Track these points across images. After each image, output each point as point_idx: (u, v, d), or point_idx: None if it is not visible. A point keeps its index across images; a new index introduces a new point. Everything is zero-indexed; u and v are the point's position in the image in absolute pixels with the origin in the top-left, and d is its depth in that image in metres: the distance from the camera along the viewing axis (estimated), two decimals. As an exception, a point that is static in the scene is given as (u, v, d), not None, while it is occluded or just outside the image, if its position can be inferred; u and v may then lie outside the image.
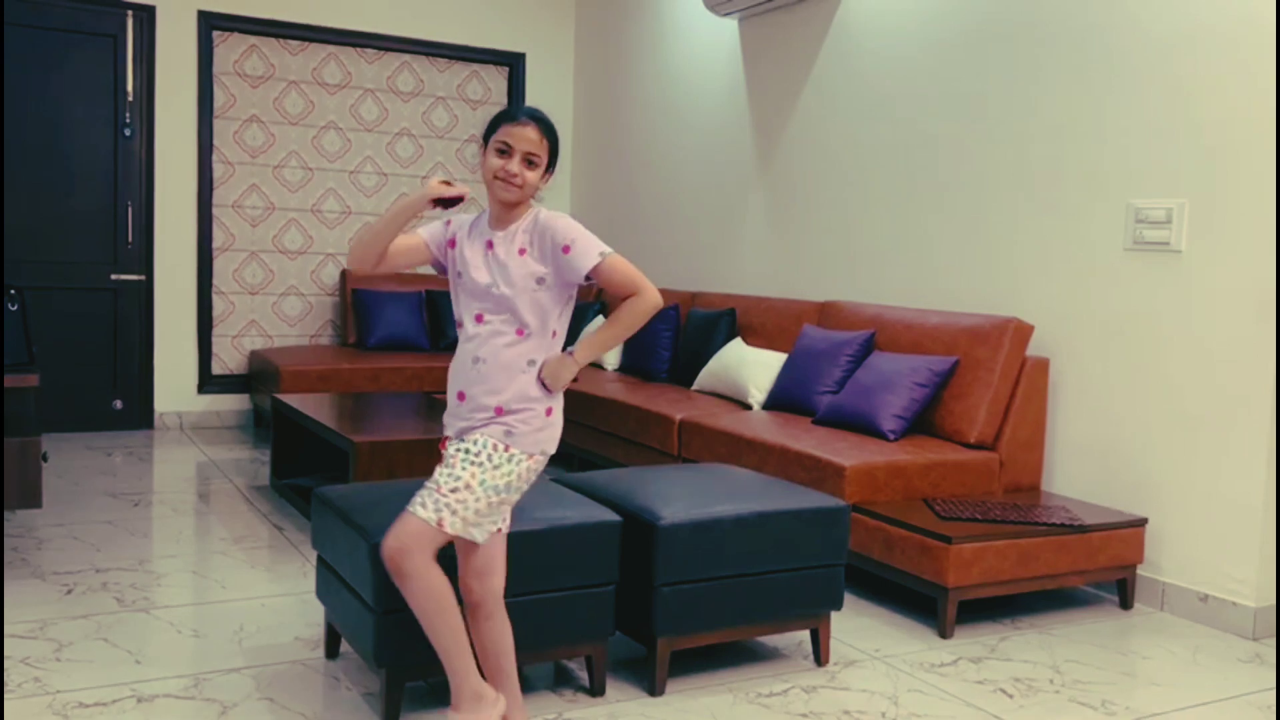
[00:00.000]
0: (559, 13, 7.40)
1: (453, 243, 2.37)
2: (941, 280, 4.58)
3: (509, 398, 2.26)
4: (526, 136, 2.24)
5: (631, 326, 2.33)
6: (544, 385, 2.29)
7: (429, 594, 2.21)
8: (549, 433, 2.31)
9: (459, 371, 2.31)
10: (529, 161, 2.25)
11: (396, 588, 2.27)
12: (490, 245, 2.30)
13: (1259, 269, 3.44)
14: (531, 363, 2.28)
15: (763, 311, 5.30)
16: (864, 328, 4.59)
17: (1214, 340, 3.56)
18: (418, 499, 2.22)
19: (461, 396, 2.29)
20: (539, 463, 2.31)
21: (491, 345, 2.26)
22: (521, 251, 2.28)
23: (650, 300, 2.31)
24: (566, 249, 2.26)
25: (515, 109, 2.29)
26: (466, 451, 2.24)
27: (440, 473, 2.24)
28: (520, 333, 2.27)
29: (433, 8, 6.97)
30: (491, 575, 2.35)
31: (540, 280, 2.27)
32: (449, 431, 2.34)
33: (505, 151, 2.25)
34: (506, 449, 2.25)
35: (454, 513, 2.19)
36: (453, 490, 2.20)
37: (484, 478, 2.23)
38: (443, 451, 2.32)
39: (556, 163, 2.34)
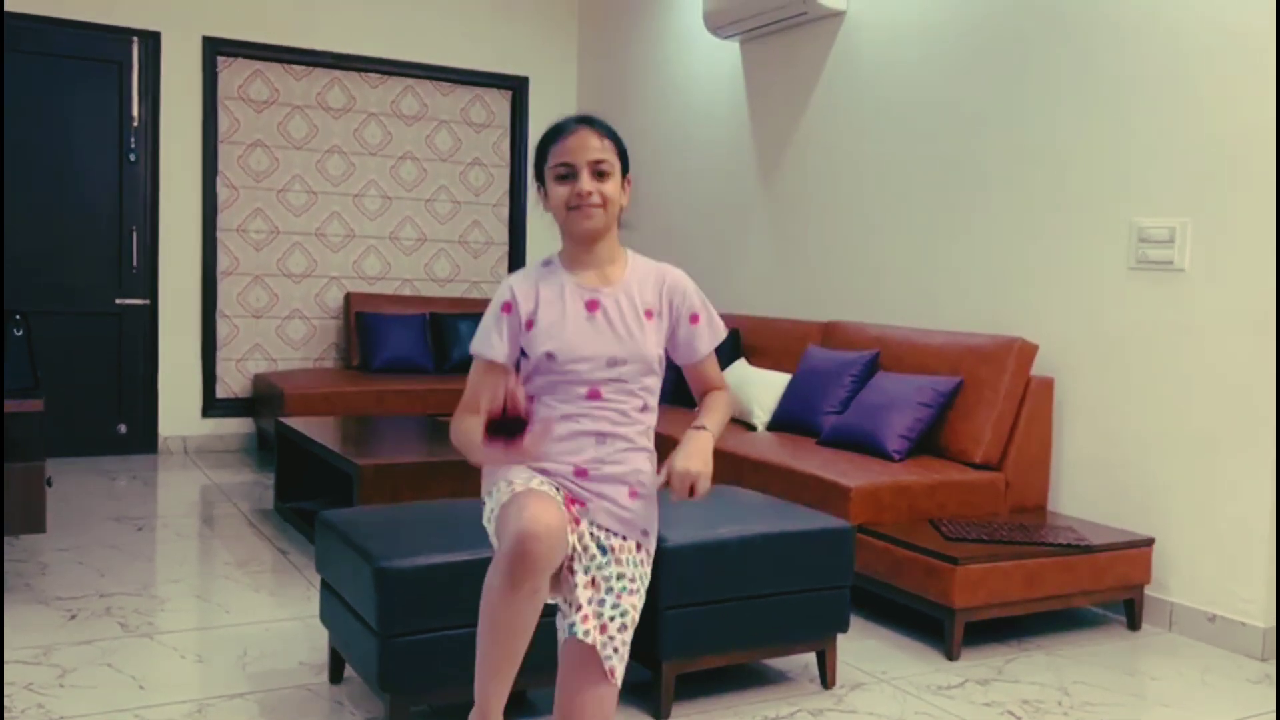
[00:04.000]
0: (562, 36, 7.44)
1: (530, 324, 1.87)
2: (945, 300, 4.58)
3: (639, 477, 1.91)
4: (586, 144, 1.85)
5: (725, 423, 2.01)
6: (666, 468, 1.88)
7: None
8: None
9: (570, 448, 1.87)
10: (598, 173, 1.85)
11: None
12: (594, 306, 1.86)
13: (1262, 287, 3.43)
14: (649, 437, 1.94)
15: (766, 332, 5.30)
16: (868, 348, 4.59)
17: (1218, 358, 3.55)
18: (609, 648, 1.83)
19: (583, 473, 1.88)
20: None
21: (616, 422, 1.88)
22: (649, 314, 1.89)
23: (731, 397, 2.03)
24: (695, 319, 1.93)
25: (560, 122, 1.90)
26: (623, 573, 1.87)
27: (600, 585, 1.85)
28: (643, 410, 1.92)
29: (436, 32, 7.02)
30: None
31: (661, 354, 1.92)
32: (572, 494, 1.88)
33: (568, 175, 1.84)
34: (648, 554, 1.94)
35: (625, 649, 1.87)
36: (626, 630, 1.87)
37: (639, 602, 1.90)
38: (576, 525, 1.85)
39: (629, 168, 1.92)
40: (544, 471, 1.90)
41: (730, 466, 4.21)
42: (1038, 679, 3.19)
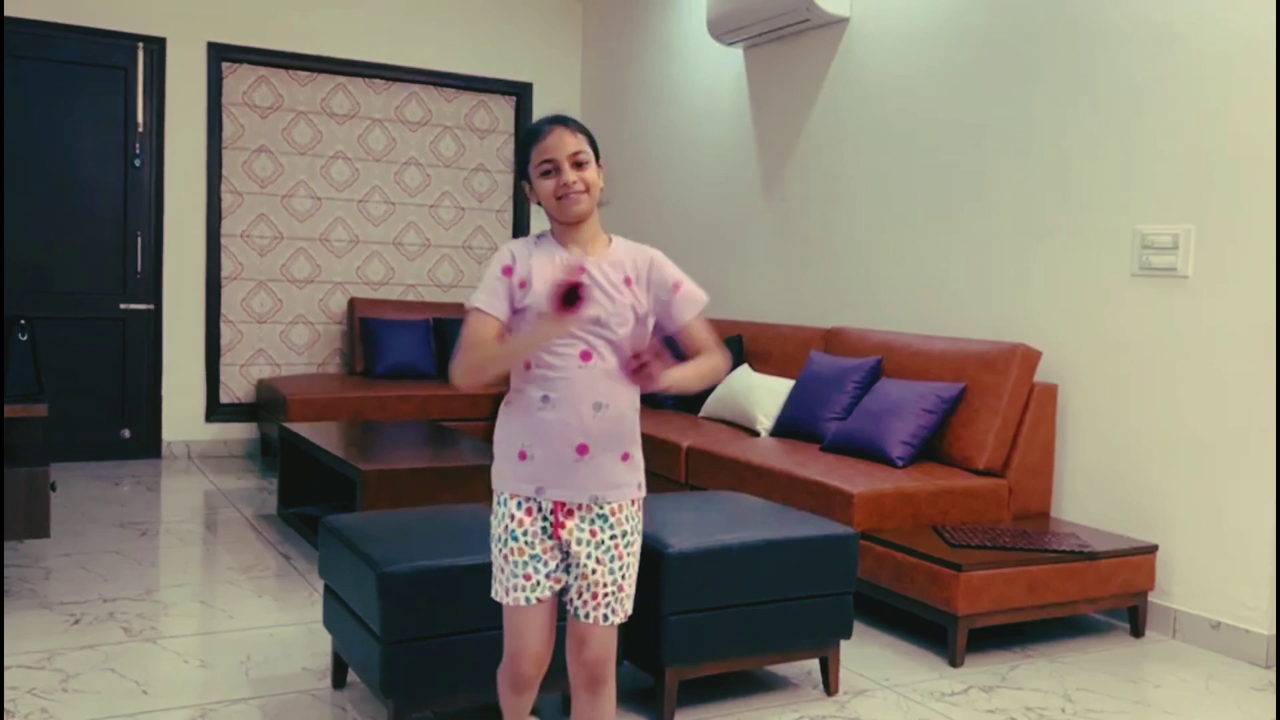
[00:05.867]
0: (565, 43, 7.45)
1: (524, 284, 2.07)
2: (948, 306, 4.58)
3: (629, 439, 2.11)
4: (563, 141, 2.07)
5: (710, 381, 2.14)
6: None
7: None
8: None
9: (570, 421, 2.04)
10: (577, 164, 2.07)
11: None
12: (582, 270, 2.07)
13: (1266, 294, 3.43)
14: (635, 393, 2.11)
15: (769, 338, 5.30)
16: (871, 354, 4.59)
17: (1222, 365, 3.55)
18: (601, 610, 2.08)
19: (584, 450, 2.05)
20: None
21: (607, 385, 2.05)
22: (628, 282, 2.10)
23: (727, 365, 2.18)
24: (678, 287, 2.13)
25: (535, 125, 2.12)
26: (623, 535, 2.09)
27: (599, 567, 2.07)
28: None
29: (440, 39, 7.03)
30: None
31: (639, 317, 2.10)
32: (564, 497, 2.06)
33: (551, 170, 2.07)
34: (641, 502, 2.15)
35: (630, 598, 2.14)
36: (630, 581, 2.13)
37: (638, 550, 2.15)
38: (563, 527, 2.07)
39: (599, 153, 2.15)
40: (537, 483, 2.08)
41: (733, 472, 4.21)
42: (1041, 686, 3.19)
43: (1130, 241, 3.84)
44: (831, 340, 4.92)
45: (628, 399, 2.09)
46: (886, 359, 4.49)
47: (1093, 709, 3.02)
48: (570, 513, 2.07)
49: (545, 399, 2.05)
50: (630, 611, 2.13)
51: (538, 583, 2.08)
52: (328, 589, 2.94)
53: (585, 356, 2.05)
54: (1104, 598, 3.58)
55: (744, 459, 4.19)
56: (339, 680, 2.98)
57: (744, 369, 5.18)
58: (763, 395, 4.87)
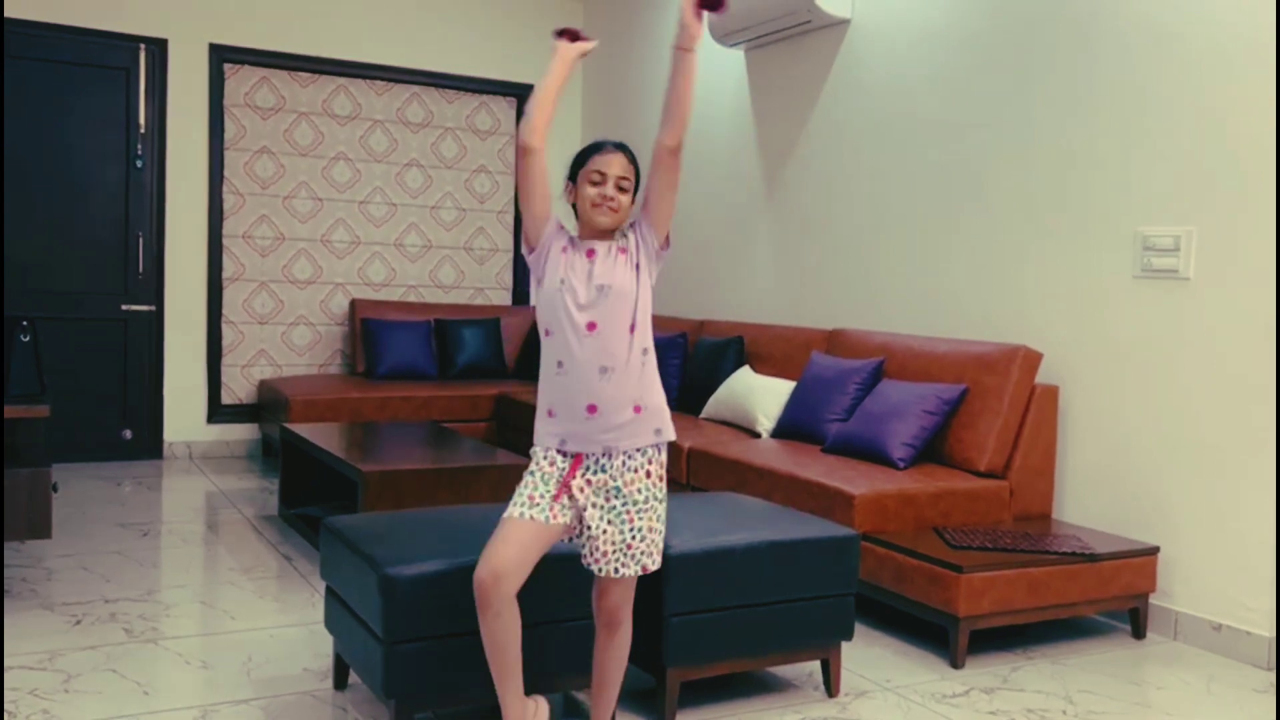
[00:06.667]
0: (567, 44, 7.44)
1: (563, 248, 2.40)
2: (950, 308, 4.58)
3: (642, 393, 2.35)
4: (618, 163, 2.38)
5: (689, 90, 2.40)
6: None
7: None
8: (667, 407, 2.44)
9: (581, 384, 2.33)
10: (620, 187, 2.38)
11: (477, 620, 2.35)
12: (592, 254, 2.38)
13: (1267, 296, 3.43)
14: (646, 351, 2.37)
15: (771, 339, 5.30)
16: (872, 355, 4.59)
17: (1223, 367, 3.55)
18: (611, 564, 2.38)
19: (594, 409, 2.33)
20: None
21: (613, 349, 2.33)
22: (622, 251, 2.39)
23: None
24: (644, 212, 2.41)
25: (601, 141, 2.44)
26: (634, 504, 2.36)
27: (610, 528, 2.36)
28: (632, 329, 2.35)
29: (441, 40, 7.04)
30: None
31: (637, 267, 2.38)
32: (581, 448, 2.36)
33: (600, 181, 2.37)
34: (660, 452, 2.40)
35: (651, 554, 2.41)
36: (643, 540, 2.38)
37: (660, 511, 2.41)
38: (574, 473, 2.36)
39: (640, 188, 2.45)
40: (556, 447, 2.38)
41: (734, 473, 4.21)
42: (1043, 688, 3.19)
43: (1131, 243, 3.84)
44: (833, 341, 4.92)
45: (635, 358, 2.34)
46: (888, 360, 4.49)
47: (1094, 711, 3.02)
48: (587, 467, 2.35)
49: (559, 364, 2.35)
50: (651, 566, 2.40)
51: (537, 503, 2.33)
52: (329, 590, 2.94)
53: (590, 327, 2.32)
54: (1105, 599, 3.58)
55: (745, 460, 4.19)
56: (340, 681, 2.98)
57: (745, 370, 5.18)
58: (764, 396, 4.87)
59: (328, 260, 6.87)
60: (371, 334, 6.57)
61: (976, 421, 4.02)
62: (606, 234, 2.40)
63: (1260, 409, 3.45)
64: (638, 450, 2.36)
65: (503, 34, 7.22)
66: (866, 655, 3.40)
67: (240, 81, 6.56)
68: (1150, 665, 3.44)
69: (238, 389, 6.65)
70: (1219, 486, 3.56)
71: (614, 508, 2.36)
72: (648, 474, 2.38)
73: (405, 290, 7.10)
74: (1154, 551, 3.66)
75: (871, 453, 4.07)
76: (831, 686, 3.05)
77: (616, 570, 2.38)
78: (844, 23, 5.17)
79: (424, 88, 7.08)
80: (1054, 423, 4.04)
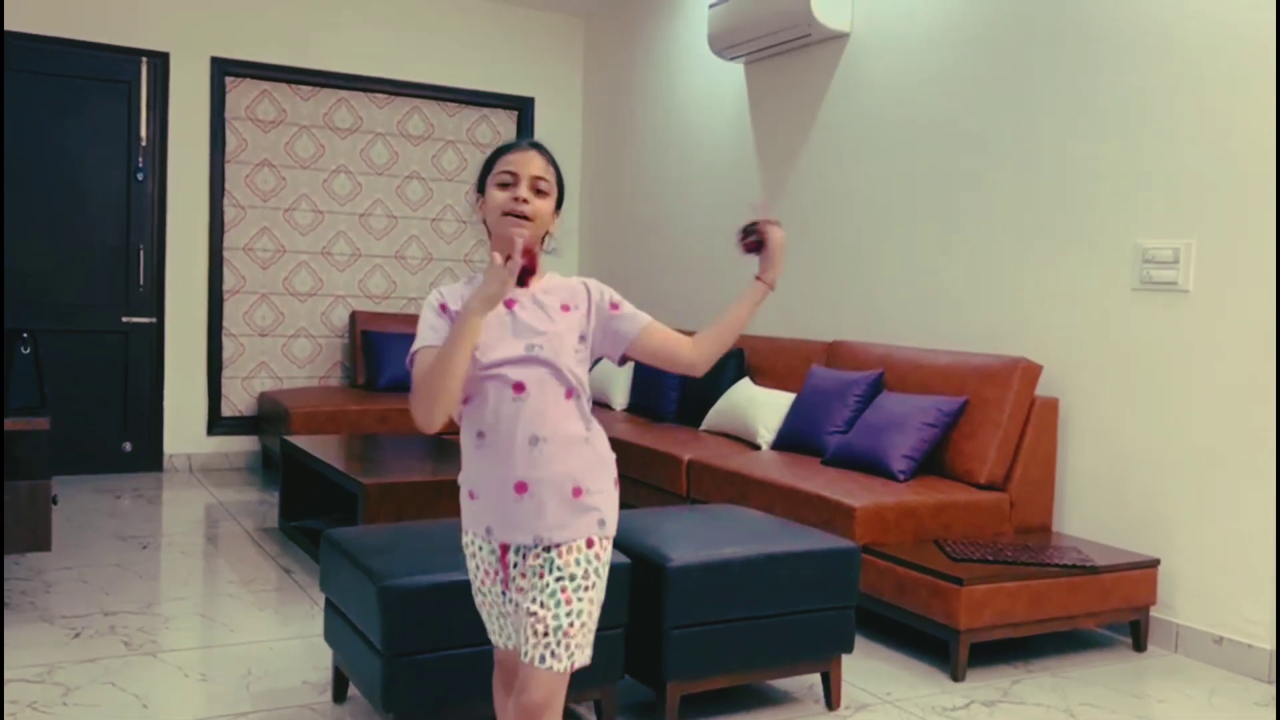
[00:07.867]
0: (568, 57, 7.48)
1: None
2: (950, 320, 4.58)
3: (582, 473, 1.95)
4: (531, 161, 1.99)
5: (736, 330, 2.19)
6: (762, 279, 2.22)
7: None
8: (617, 499, 2.05)
9: (505, 458, 1.92)
10: (537, 189, 1.99)
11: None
12: (511, 304, 1.97)
13: (1266, 308, 3.44)
14: (588, 423, 1.98)
15: (771, 351, 5.30)
16: (872, 367, 4.59)
17: (1224, 379, 3.55)
18: (539, 650, 1.88)
19: (523, 488, 1.92)
20: None
21: (546, 417, 1.92)
22: (565, 308, 1.99)
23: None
24: (615, 307, 2.04)
25: (512, 141, 2.07)
26: (571, 579, 1.91)
27: (542, 610, 1.89)
28: (570, 395, 1.95)
29: (442, 53, 7.06)
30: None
31: (582, 338, 1.99)
32: (509, 537, 1.95)
33: (510, 183, 1.99)
34: (604, 543, 1.97)
35: (584, 647, 1.93)
36: (582, 627, 1.92)
37: (596, 595, 1.95)
38: (506, 568, 1.98)
39: (563, 201, 2.06)
40: (483, 532, 1.99)
41: (735, 485, 4.21)
42: (1043, 700, 3.18)
43: (1131, 255, 3.84)
44: (833, 353, 4.93)
45: (575, 430, 1.95)
46: (888, 372, 4.50)
47: (1095, 724, 3.01)
48: (514, 563, 1.97)
49: (480, 435, 1.94)
50: (582, 662, 1.92)
51: (509, 636, 2.04)
52: (329, 602, 2.93)
53: (518, 389, 1.91)
54: (1106, 612, 3.57)
55: (745, 472, 4.18)
56: (340, 694, 2.97)
57: (745, 382, 5.19)
58: (764, 409, 4.87)
59: (328, 272, 6.88)
60: (372, 346, 6.57)
61: (977, 433, 4.02)
62: (525, 278, 1.98)
63: (1260, 422, 3.45)
64: (574, 545, 1.93)
65: (504, 47, 7.24)
66: (867, 668, 3.39)
67: (241, 94, 6.58)
68: (1151, 678, 3.43)
69: (238, 401, 6.65)
70: (1220, 498, 3.56)
71: (548, 585, 1.91)
72: (589, 542, 1.95)
73: (406, 302, 7.11)
74: (1155, 564, 3.65)
75: (872, 465, 4.07)
76: (832, 699, 3.05)
77: (544, 658, 1.88)
78: (843, 36, 5.18)
79: (425, 101, 7.10)
80: (1054, 435, 4.04)
